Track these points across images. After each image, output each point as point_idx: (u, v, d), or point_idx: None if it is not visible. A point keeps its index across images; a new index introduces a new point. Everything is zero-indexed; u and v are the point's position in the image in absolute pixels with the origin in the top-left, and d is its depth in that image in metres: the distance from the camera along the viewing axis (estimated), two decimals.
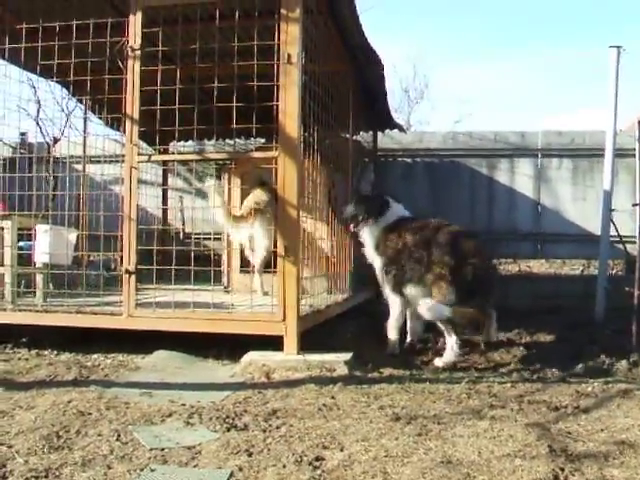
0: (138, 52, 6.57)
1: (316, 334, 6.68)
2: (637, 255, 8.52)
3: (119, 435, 4.12)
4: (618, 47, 9.47)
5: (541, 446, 3.92)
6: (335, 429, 4.27)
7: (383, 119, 11.07)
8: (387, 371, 6.10)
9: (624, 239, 8.97)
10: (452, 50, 49.28)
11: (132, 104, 6.59)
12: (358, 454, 3.80)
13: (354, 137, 9.72)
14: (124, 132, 6.80)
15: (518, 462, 3.67)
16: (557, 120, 46.14)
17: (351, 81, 8.83)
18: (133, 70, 6.59)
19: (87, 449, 3.88)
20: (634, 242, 8.83)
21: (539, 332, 8.07)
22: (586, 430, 4.31)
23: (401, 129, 12.25)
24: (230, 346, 6.49)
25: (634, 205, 9.89)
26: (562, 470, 3.55)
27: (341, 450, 3.88)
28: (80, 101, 9.29)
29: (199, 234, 11.35)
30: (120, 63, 6.80)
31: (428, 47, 49.45)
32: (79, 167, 9.78)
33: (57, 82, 8.70)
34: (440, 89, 49.78)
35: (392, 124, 11.48)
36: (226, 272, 9.01)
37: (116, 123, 8.84)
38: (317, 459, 3.72)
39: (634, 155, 12.01)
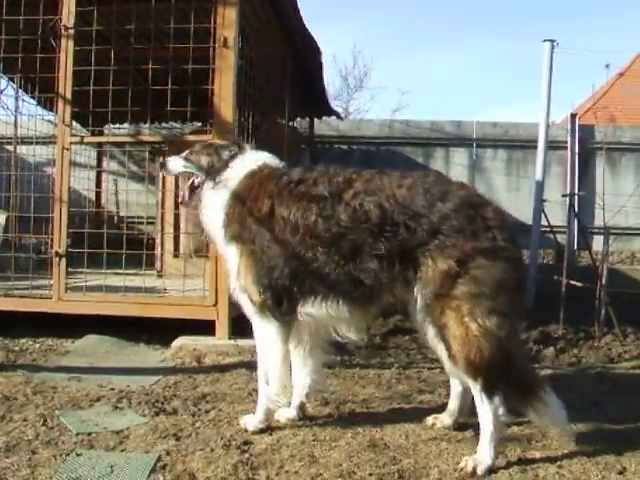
0: (72, 31, 6.44)
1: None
2: (566, 245, 8.73)
3: (45, 420, 4.07)
4: (552, 41, 9.62)
5: (467, 430, 4.00)
6: None
7: (320, 106, 11.08)
8: None
9: (554, 229, 9.12)
10: (393, 42, 49.75)
11: (65, 84, 6.46)
12: (286, 438, 3.83)
13: (290, 123, 9.70)
14: (57, 112, 6.67)
15: (444, 445, 3.75)
16: (492, 112, 46.98)
17: (288, 67, 8.81)
18: (66, 49, 6.45)
19: (12, 434, 3.83)
20: (564, 232, 9.01)
21: None
22: None
23: (338, 116, 12.27)
24: (162, 331, 6.42)
25: (564, 196, 10.10)
26: None
27: (270, 434, 3.90)
28: (12, 79, 9.05)
29: (133, 218, 11.21)
30: (53, 42, 6.67)
31: (369, 38, 49.85)
32: (10, 148, 9.55)
33: None
34: (380, 79, 50.28)
35: (329, 111, 11.49)
36: (159, 256, 8.91)
37: (49, 103, 8.66)
38: (245, 443, 3.74)
39: (566, 147, 12.35)
